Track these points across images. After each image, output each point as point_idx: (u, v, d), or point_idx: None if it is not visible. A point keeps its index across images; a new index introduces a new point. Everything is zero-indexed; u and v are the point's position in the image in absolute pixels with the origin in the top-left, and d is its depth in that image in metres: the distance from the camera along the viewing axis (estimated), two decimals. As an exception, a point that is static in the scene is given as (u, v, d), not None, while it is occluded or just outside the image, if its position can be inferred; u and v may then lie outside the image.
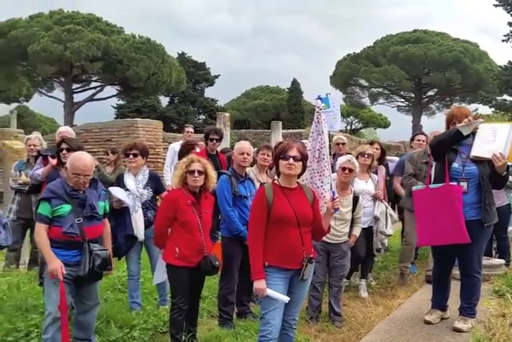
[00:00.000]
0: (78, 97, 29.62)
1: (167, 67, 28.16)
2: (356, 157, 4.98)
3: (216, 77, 38.88)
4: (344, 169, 4.37)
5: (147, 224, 4.30)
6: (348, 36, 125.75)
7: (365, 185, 5.02)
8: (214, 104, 38.17)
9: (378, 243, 5.14)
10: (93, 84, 30.40)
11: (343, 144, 6.16)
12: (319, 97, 4.07)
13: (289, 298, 3.05)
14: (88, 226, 3.25)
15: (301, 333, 3.98)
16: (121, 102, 34.94)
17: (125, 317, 4.03)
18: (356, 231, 4.56)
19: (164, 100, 37.14)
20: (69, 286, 3.24)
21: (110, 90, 31.10)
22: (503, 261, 5.80)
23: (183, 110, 35.79)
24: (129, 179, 4.41)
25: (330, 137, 7.33)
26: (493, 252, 6.25)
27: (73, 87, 29.30)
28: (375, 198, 5.08)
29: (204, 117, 37.82)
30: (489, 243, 6.13)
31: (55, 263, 3.11)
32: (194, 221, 3.53)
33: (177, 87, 30.57)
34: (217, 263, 3.56)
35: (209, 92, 43.59)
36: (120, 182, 4.41)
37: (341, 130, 35.88)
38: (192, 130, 7.58)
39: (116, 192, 4.23)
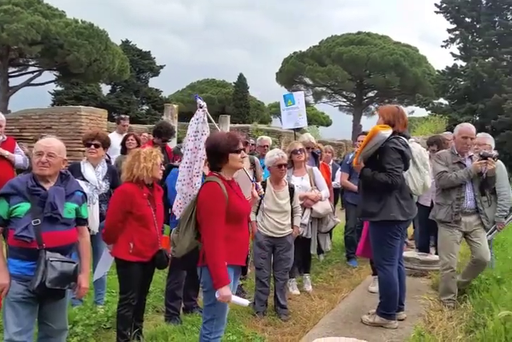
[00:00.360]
0: (13, 82, 28.05)
1: (110, 54, 27.23)
2: (290, 156, 5.05)
3: (161, 67, 38.15)
4: (280, 166, 4.42)
5: (101, 217, 4.15)
6: (296, 34, 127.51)
7: (300, 181, 5.08)
8: (158, 95, 37.46)
9: (326, 243, 5.26)
10: (30, 68, 28.86)
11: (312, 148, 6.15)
12: (198, 97, 3.97)
13: (249, 302, 3.04)
14: (48, 231, 2.68)
15: (249, 327, 4.02)
16: (59, 88, 33.47)
17: (68, 313, 3.85)
18: (297, 222, 4.63)
19: (105, 88, 35.98)
20: (28, 306, 2.70)
21: (49, 75, 29.66)
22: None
23: (125, 99, 34.84)
24: (88, 170, 4.24)
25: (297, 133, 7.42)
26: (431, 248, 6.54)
27: (9, 71, 27.70)
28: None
29: (147, 107, 37.03)
30: (426, 239, 6.45)
31: (4, 277, 2.66)
32: (149, 215, 3.44)
33: (119, 76, 29.65)
34: (170, 256, 3.49)
35: (153, 83, 42.68)
36: (74, 171, 4.16)
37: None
38: (127, 122, 7.41)
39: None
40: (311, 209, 5.04)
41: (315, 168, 5.35)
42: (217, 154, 2.89)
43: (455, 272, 4.61)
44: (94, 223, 4.11)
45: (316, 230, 5.19)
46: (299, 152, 5.07)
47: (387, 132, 3.93)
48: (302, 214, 4.97)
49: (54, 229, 2.72)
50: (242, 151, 2.94)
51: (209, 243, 2.78)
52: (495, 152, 4.57)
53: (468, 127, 4.66)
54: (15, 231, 2.63)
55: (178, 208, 3.66)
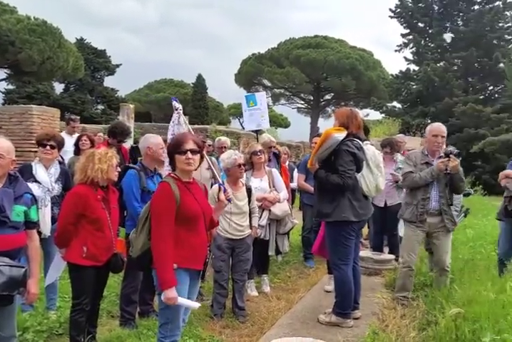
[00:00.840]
0: (-40, 80, 26.80)
1: (63, 52, 26.41)
2: (250, 158, 5.08)
3: (117, 66, 37.36)
4: (239, 166, 4.42)
5: (53, 220, 4.02)
6: (254, 35, 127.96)
7: (259, 183, 5.10)
8: (114, 94, 36.66)
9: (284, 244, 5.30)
10: (-22, 65, 27.65)
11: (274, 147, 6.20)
12: (174, 99, 4.03)
13: (199, 304, 3.02)
14: None
15: (206, 329, 3.99)
16: (11, 87, 32.22)
17: (17, 319, 3.71)
18: (255, 222, 4.64)
19: (58, 87, 34.89)
20: None
21: (-1, 73, 28.52)
22: (393, 257, 6.25)
23: (80, 98, 33.89)
24: (40, 171, 4.10)
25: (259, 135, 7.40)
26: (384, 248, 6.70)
27: (-44, 68, 26.44)
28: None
29: (102, 107, 36.18)
30: (380, 239, 6.62)
31: None
32: (104, 217, 3.36)
33: (73, 74, 28.78)
34: (125, 260, 3.42)
35: (109, 82, 41.80)
36: (24, 173, 4.01)
37: (243, 128, 36.47)
38: (77, 124, 7.25)
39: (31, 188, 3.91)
40: (270, 210, 5.06)
41: (274, 170, 5.38)
42: (168, 155, 2.94)
43: (413, 271, 4.72)
44: (46, 226, 3.98)
45: (275, 231, 5.22)
46: (259, 153, 5.09)
47: (340, 134, 4.01)
48: (260, 216, 5.00)
49: (2, 233, 2.63)
50: (189, 153, 2.84)
51: (155, 243, 2.77)
52: (456, 150, 4.55)
53: (438, 125, 4.76)
54: None
55: None
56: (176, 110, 3.72)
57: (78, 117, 7.57)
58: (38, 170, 4.11)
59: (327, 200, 4.13)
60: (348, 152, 4.00)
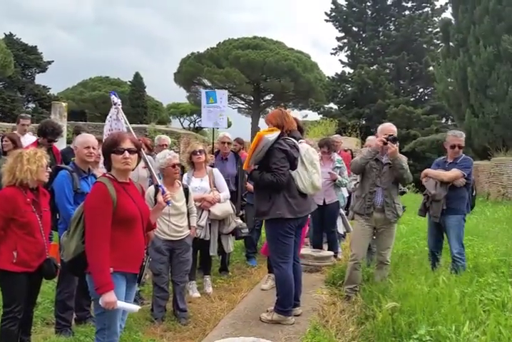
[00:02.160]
0: None
1: (-10, 47, 25.03)
2: (189, 158, 5.04)
3: (49, 63, 35.76)
4: (174, 166, 4.37)
5: None
6: (192, 35, 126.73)
7: (199, 183, 5.08)
8: (46, 92, 35.06)
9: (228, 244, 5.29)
10: None
11: (229, 143, 6.11)
12: (113, 93, 3.92)
13: (139, 307, 2.94)
14: None
15: (147, 334, 3.91)
16: None
17: None
18: (194, 222, 4.59)
19: (-15, 85, 32.93)
20: None
21: None
22: (332, 253, 6.40)
23: (9, 96, 32.11)
24: None
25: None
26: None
27: None
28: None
29: (34, 105, 34.52)
30: (320, 236, 6.75)
31: None
32: (35, 221, 3.19)
33: (2, 71, 27.29)
34: (59, 265, 3.27)
35: (40, 79, 39.96)
36: None
37: (184, 128, 36.07)
38: (28, 122, 6.85)
39: None
40: (209, 211, 5.02)
41: (215, 169, 5.35)
42: (103, 154, 2.82)
43: (359, 264, 4.84)
44: None
45: (217, 231, 5.17)
46: (198, 153, 5.04)
47: (272, 135, 4.09)
48: (200, 216, 4.94)
49: None
50: (126, 152, 2.75)
51: (90, 247, 2.66)
52: (391, 135, 4.66)
53: (389, 124, 4.92)
54: None
55: None
56: (114, 104, 3.58)
57: (29, 116, 7.14)
58: None
59: (264, 199, 4.19)
60: (280, 149, 4.08)
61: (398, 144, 4.67)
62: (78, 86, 39.95)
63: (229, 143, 6.12)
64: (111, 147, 2.75)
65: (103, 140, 3.44)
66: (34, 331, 3.74)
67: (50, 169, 3.54)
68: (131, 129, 3.81)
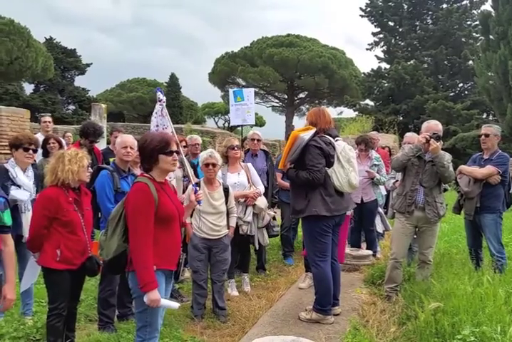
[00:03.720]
0: None
1: (32, 52, 25.88)
2: (226, 151, 5.05)
3: (88, 65, 36.77)
4: (207, 165, 4.38)
5: None
6: (226, 34, 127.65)
7: (237, 178, 5.08)
8: (85, 94, 36.06)
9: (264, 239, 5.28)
10: None
11: (258, 140, 6.12)
12: (159, 90, 3.97)
13: (179, 304, 2.99)
14: None
15: (187, 331, 3.95)
16: (-23, 87, 31.35)
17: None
18: (233, 222, 4.60)
19: (28, 88, 34.15)
20: None
21: (-36, 73, 27.67)
22: (370, 252, 6.31)
23: (50, 98, 33.23)
24: (21, 174, 3.97)
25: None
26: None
27: None
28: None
29: (74, 107, 35.55)
30: (358, 235, 6.67)
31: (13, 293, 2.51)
32: (77, 220, 3.26)
33: (43, 74, 28.25)
34: (101, 262, 3.34)
35: (79, 81, 41.10)
36: (2, 176, 3.87)
37: (218, 127, 36.37)
38: (50, 119, 7.02)
39: (19, 194, 3.82)
40: (254, 205, 5.04)
41: (249, 164, 5.35)
42: (146, 154, 2.82)
43: (399, 263, 4.76)
44: (28, 230, 3.85)
45: (256, 226, 5.18)
46: (236, 148, 5.06)
47: (306, 134, 4.07)
48: (245, 213, 4.96)
49: None
50: (175, 153, 2.85)
51: (135, 245, 2.70)
52: (435, 133, 4.53)
53: (436, 123, 4.73)
54: None
55: None
56: (160, 101, 3.63)
57: (49, 114, 7.36)
58: (19, 174, 3.97)
59: (300, 197, 4.17)
60: (315, 147, 4.06)
61: (441, 142, 4.55)
62: (116, 88, 40.87)
63: (258, 140, 6.12)
64: (163, 149, 2.80)
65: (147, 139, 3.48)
66: (78, 328, 3.82)
67: (91, 170, 3.62)
68: (171, 125, 3.92)
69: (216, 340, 3.80)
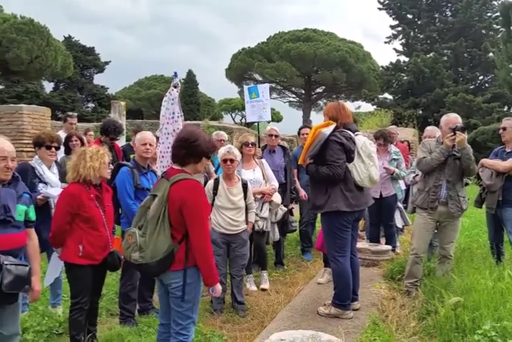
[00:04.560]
0: None
1: (52, 50, 26.20)
2: (240, 147, 5.06)
3: (106, 63, 37.10)
4: (225, 161, 4.40)
5: None
6: (244, 30, 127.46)
7: (252, 174, 5.08)
8: (104, 92, 36.41)
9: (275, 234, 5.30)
10: (-35, 66, 27.33)
11: (276, 136, 6.11)
12: (176, 75, 3.86)
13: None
14: (1, 234, 2.65)
15: (206, 325, 3.99)
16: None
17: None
18: (252, 218, 4.62)
19: (48, 86, 34.64)
20: None
21: (-13, 73, 28.21)
22: (390, 247, 6.27)
23: (70, 96, 33.64)
24: (48, 172, 4.10)
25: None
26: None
27: None
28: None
29: (93, 105, 35.95)
30: (376, 230, 6.63)
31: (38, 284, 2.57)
32: (98, 216, 3.32)
33: (63, 73, 28.57)
34: (122, 257, 3.39)
35: (98, 79, 41.54)
36: (28, 174, 3.97)
37: (236, 123, 36.42)
38: (75, 121, 7.12)
39: (52, 190, 3.93)
40: (270, 201, 5.07)
41: (264, 160, 5.35)
42: (193, 152, 2.81)
43: (420, 258, 4.72)
44: None
45: (270, 221, 5.21)
46: (250, 146, 5.07)
47: (328, 129, 4.04)
48: (261, 209, 4.98)
49: (7, 232, 2.68)
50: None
51: (201, 243, 2.75)
52: (460, 124, 4.47)
53: (455, 117, 4.67)
54: None
55: None
56: (176, 87, 3.53)
57: (76, 114, 7.46)
58: (46, 171, 4.09)
59: (320, 192, 4.14)
60: (335, 142, 4.03)
61: (466, 133, 4.49)
62: (134, 85, 41.17)
63: (276, 136, 6.10)
64: (208, 153, 2.89)
65: (164, 126, 3.41)
66: (100, 322, 3.90)
67: (112, 166, 3.67)
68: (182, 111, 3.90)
69: (235, 335, 3.84)
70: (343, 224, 4.13)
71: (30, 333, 3.59)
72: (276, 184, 5.21)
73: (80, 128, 12.02)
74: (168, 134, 3.38)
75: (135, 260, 2.74)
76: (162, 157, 3.38)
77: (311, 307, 4.42)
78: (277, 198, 5.13)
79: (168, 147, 3.36)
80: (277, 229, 5.38)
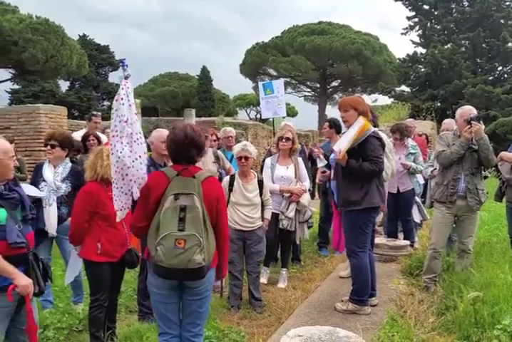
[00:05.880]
0: (-34, 81, 26.97)
1: (67, 49, 26.46)
2: (277, 142, 5.07)
3: (121, 61, 37.37)
4: (240, 158, 4.39)
5: (60, 220, 4.06)
6: (257, 25, 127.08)
7: (285, 171, 5.04)
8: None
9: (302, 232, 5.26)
10: (-17, 67, 27.79)
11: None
12: (124, 64, 2.80)
13: None
14: (27, 233, 2.66)
15: (224, 321, 4.00)
16: (16, 86, 32.43)
17: (38, 316, 3.75)
18: (267, 215, 4.59)
19: (64, 85, 35.07)
20: (4, 319, 2.59)
21: (4, 73, 28.69)
22: (408, 242, 6.21)
23: (85, 95, 34.05)
24: (48, 170, 4.14)
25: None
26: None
27: (-39, 70, 26.59)
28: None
29: (109, 103, 36.23)
30: (394, 225, 6.57)
31: (25, 279, 2.54)
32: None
33: (78, 71, 28.85)
34: (140, 254, 3.43)
35: (113, 77, 41.77)
36: (37, 172, 4.11)
37: (250, 119, 36.39)
38: (100, 120, 7.17)
39: (28, 189, 3.95)
40: (297, 202, 5.00)
41: (300, 158, 5.29)
42: (201, 148, 2.76)
43: (438, 253, 4.69)
44: (51, 225, 4.01)
45: (297, 221, 5.15)
46: (284, 140, 5.04)
47: (371, 126, 4.00)
48: (287, 208, 4.96)
49: (29, 230, 2.73)
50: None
51: (227, 233, 2.84)
52: (475, 114, 4.44)
53: (469, 108, 4.61)
54: (8, 240, 2.51)
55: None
56: (126, 78, 2.69)
57: (100, 114, 7.51)
58: (46, 169, 4.15)
59: (354, 188, 4.04)
60: (375, 138, 3.98)
61: (481, 122, 4.42)
62: (148, 83, 41.38)
63: (287, 139, 6.02)
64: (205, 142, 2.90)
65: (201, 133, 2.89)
66: (119, 318, 3.94)
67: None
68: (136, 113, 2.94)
69: (253, 331, 3.84)
70: (369, 220, 4.12)
71: (51, 330, 3.65)
72: (307, 185, 5.13)
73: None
74: (133, 136, 2.70)
75: (198, 263, 2.50)
76: (112, 144, 2.61)
77: (328, 303, 4.41)
78: (304, 199, 5.04)
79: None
80: (306, 229, 5.36)
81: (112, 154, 2.60)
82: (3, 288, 2.52)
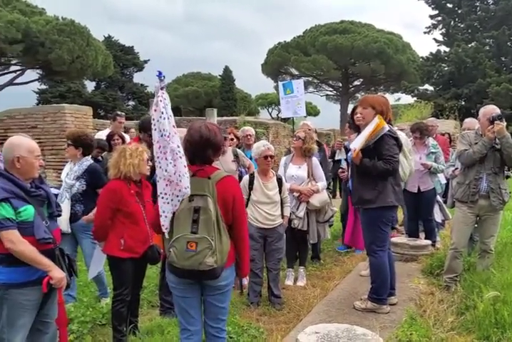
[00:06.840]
0: (-4, 82, 27.64)
1: (92, 50, 26.94)
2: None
3: (145, 62, 37.84)
4: (266, 157, 4.43)
5: (75, 217, 4.18)
6: (279, 24, 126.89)
7: (297, 170, 5.07)
8: (144, 90, 37.19)
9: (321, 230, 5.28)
10: (12, 68, 28.45)
11: (309, 130, 5.87)
12: (161, 75, 2.71)
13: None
14: (54, 229, 2.76)
15: (243, 317, 4.06)
16: (43, 86, 33.15)
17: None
18: (287, 212, 4.63)
19: (90, 85, 35.68)
20: (32, 312, 2.69)
21: (32, 74, 29.30)
22: (429, 242, 6.16)
23: (111, 95, 34.59)
24: (65, 168, 4.31)
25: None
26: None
27: (-9, 70, 27.30)
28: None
29: (133, 103, 36.79)
30: (415, 225, 6.53)
31: (60, 271, 2.66)
32: (139, 211, 3.46)
33: (103, 72, 29.36)
34: (162, 251, 3.51)
35: (138, 78, 42.39)
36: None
37: (272, 118, 36.42)
38: (124, 119, 7.31)
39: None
40: (308, 202, 5.01)
41: (315, 158, 5.26)
42: (217, 148, 2.75)
43: (460, 253, 4.65)
44: (62, 222, 4.04)
45: (315, 220, 5.16)
46: (295, 139, 5.13)
47: (386, 125, 3.99)
48: (298, 207, 4.99)
49: (55, 226, 2.83)
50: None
51: (246, 233, 2.84)
52: (497, 113, 4.40)
53: (493, 108, 4.56)
54: (36, 236, 2.59)
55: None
56: (162, 89, 2.69)
57: (124, 114, 7.65)
58: (65, 168, 4.36)
59: (369, 186, 4.05)
60: (391, 137, 3.97)
61: (503, 121, 4.37)
62: (172, 83, 41.73)
63: (309, 130, 5.99)
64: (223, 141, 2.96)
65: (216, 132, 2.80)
66: (141, 313, 4.04)
67: (151, 163, 3.80)
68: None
69: (271, 327, 3.89)
70: (388, 219, 4.12)
71: (75, 323, 3.76)
72: (320, 185, 5.10)
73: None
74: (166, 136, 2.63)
75: (209, 265, 2.51)
76: (158, 157, 2.60)
77: (347, 301, 4.43)
78: (316, 200, 5.01)
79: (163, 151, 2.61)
80: (327, 228, 5.37)
81: (160, 167, 2.56)
82: (32, 281, 2.62)
